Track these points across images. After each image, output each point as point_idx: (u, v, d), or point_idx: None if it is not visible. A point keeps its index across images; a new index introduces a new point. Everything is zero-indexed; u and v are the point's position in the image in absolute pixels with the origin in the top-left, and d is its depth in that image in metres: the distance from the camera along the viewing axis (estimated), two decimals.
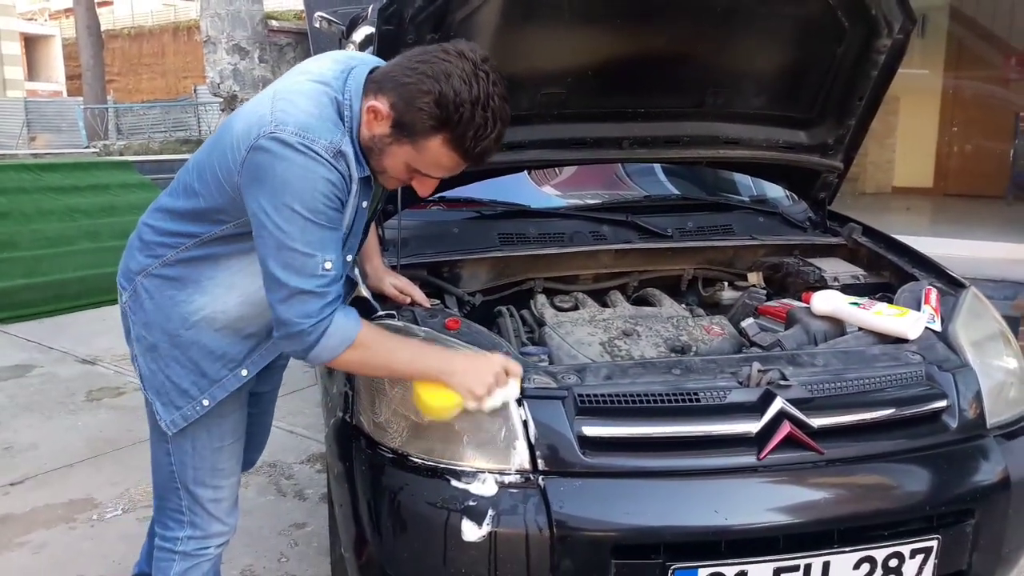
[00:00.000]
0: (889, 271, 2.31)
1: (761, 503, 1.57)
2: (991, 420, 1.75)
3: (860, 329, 1.93)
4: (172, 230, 1.61)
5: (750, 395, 1.62)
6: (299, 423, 3.64)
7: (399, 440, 1.63)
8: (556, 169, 2.74)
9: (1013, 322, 3.65)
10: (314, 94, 1.45)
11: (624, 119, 2.28)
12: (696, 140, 2.38)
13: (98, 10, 19.62)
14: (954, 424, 1.70)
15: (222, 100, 8.25)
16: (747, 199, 2.85)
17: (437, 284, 2.14)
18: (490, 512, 1.50)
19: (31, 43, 29.08)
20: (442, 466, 1.58)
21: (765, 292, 2.35)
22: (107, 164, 8.23)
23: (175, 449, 1.71)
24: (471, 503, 1.51)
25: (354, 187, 1.48)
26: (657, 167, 2.89)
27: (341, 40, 3.44)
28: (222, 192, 1.51)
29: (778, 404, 1.59)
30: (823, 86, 2.31)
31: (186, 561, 1.78)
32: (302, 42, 8.74)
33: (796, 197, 2.75)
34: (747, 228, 2.52)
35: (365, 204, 1.56)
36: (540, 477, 1.53)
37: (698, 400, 1.61)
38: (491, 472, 1.54)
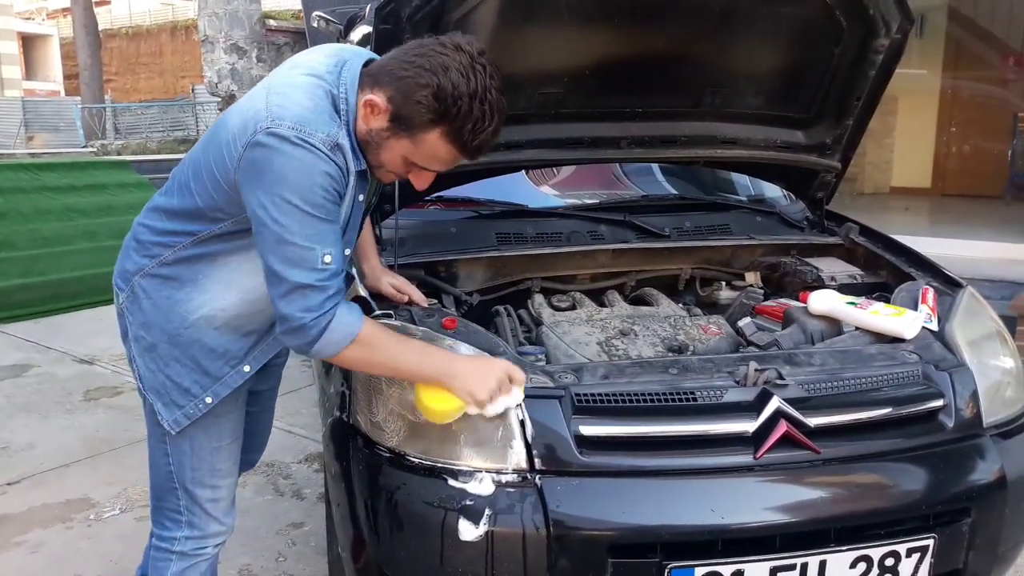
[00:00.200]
0: (886, 271, 2.31)
1: (758, 502, 1.57)
2: (987, 419, 1.75)
3: (857, 329, 1.94)
4: (168, 229, 1.61)
5: (747, 394, 1.62)
6: (297, 423, 3.64)
7: (396, 439, 1.63)
8: (554, 169, 2.74)
9: (1010, 322, 3.67)
10: (309, 87, 1.44)
11: (622, 119, 2.28)
12: (694, 140, 2.38)
13: (96, 9, 19.60)
14: (951, 423, 1.71)
15: (220, 100, 8.25)
16: (745, 199, 2.85)
17: (434, 284, 2.14)
18: (487, 511, 1.50)
19: (28, 42, 29.07)
20: (439, 465, 1.58)
21: (762, 292, 2.35)
22: (105, 164, 8.22)
23: (173, 449, 1.71)
24: (468, 502, 1.51)
25: (351, 180, 1.47)
26: (655, 167, 2.90)
27: (339, 39, 3.44)
28: (218, 189, 1.50)
29: (775, 403, 1.59)
30: (821, 86, 2.32)
31: (183, 561, 1.78)
32: (300, 41, 8.72)
33: (794, 197, 2.76)
34: (745, 228, 2.53)
35: (361, 198, 1.56)
36: (537, 476, 1.53)
37: (695, 399, 1.61)
38: (488, 471, 1.54)
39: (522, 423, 1.55)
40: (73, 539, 2.74)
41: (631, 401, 1.60)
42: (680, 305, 2.29)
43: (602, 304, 2.24)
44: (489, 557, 1.50)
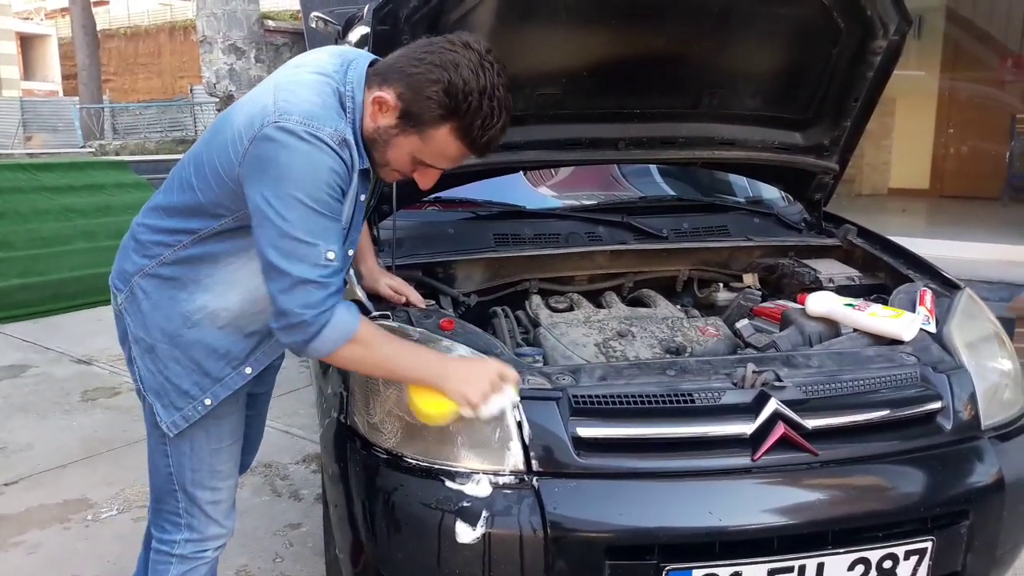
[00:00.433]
0: (884, 272, 2.31)
1: (755, 504, 1.57)
2: (986, 422, 1.75)
3: (855, 330, 1.94)
4: (169, 227, 1.60)
5: (745, 396, 1.62)
6: (294, 423, 3.63)
7: (393, 441, 1.63)
8: (552, 170, 2.74)
9: (1009, 324, 3.66)
10: (316, 84, 1.45)
11: (620, 120, 2.29)
12: (692, 141, 2.38)
13: (94, 10, 19.59)
14: (949, 426, 1.70)
15: (218, 100, 8.26)
16: (743, 200, 2.85)
17: (432, 285, 2.13)
18: (484, 513, 1.50)
19: (27, 42, 29.03)
20: (436, 467, 1.57)
21: (760, 293, 2.35)
22: (103, 164, 8.21)
23: (173, 451, 1.70)
24: (465, 504, 1.51)
25: (355, 178, 1.48)
26: (653, 168, 2.90)
27: (337, 40, 3.44)
28: (222, 185, 1.49)
29: (772, 405, 1.59)
30: (819, 87, 2.32)
31: (183, 564, 1.77)
32: (298, 42, 8.73)
33: (791, 198, 2.76)
34: (742, 229, 2.53)
35: (363, 197, 1.56)
36: (534, 478, 1.53)
37: (693, 401, 1.61)
38: (485, 473, 1.54)
39: (519, 425, 1.55)
40: (71, 540, 2.74)
41: (629, 403, 1.60)
42: (678, 307, 2.29)
43: (600, 305, 2.24)
44: (486, 559, 1.50)
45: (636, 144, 2.34)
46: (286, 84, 1.46)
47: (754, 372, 1.65)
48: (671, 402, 1.61)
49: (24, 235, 5.91)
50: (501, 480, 1.53)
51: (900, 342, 1.85)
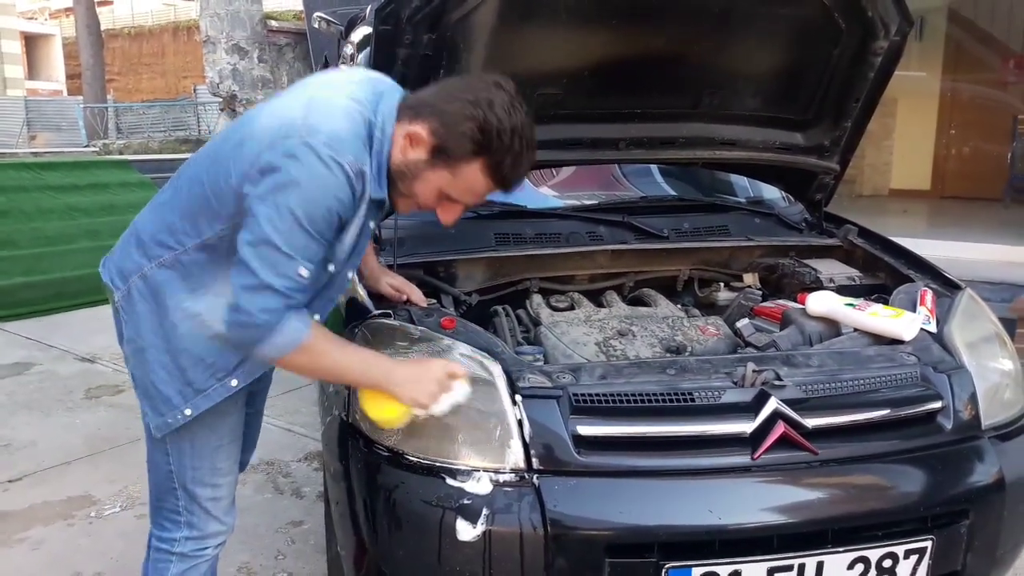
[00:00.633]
0: (885, 273, 2.31)
1: (755, 503, 1.58)
2: (986, 421, 1.75)
3: (855, 330, 1.94)
4: (172, 227, 1.59)
5: (745, 395, 1.63)
6: (296, 421, 3.64)
7: (395, 438, 1.63)
8: (553, 169, 2.75)
9: (1010, 324, 3.66)
10: (349, 110, 1.46)
11: (621, 120, 2.29)
12: (693, 141, 2.38)
13: (98, 9, 19.65)
14: (949, 425, 1.71)
15: (221, 100, 8.26)
16: (743, 200, 2.85)
17: (433, 283, 2.14)
18: (484, 511, 1.50)
19: (31, 42, 29.09)
20: (437, 464, 1.58)
21: (761, 293, 2.35)
22: (107, 163, 8.22)
23: (173, 448, 1.70)
24: (466, 501, 1.51)
25: (363, 207, 1.48)
26: (654, 168, 2.90)
27: (339, 40, 3.45)
28: (229, 188, 1.49)
29: (773, 404, 1.59)
30: (819, 88, 2.32)
31: (184, 562, 1.77)
32: (301, 42, 8.75)
33: (792, 199, 2.76)
34: (743, 229, 2.53)
35: (372, 224, 1.59)
36: (535, 476, 1.54)
37: (693, 400, 1.62)
38: (486, 471, 1.55)
39: (520, 423, 1.56)
40: (74, 536, 2.75)
41: (629, 401, 1.60)
42: (678, 306, 2.30)
43: (600, 305, 2.24)
44: (486, 556, 1.50)
45: (637, 144, 2.34)
46: (320, 104, 1.46)
47: (754, 371, 1.66)
48: (671, 401, 1.61)
49: (28, 234, 5.92)
50: (501, 478, 1.54)
51: (900, 342, 1.85)
